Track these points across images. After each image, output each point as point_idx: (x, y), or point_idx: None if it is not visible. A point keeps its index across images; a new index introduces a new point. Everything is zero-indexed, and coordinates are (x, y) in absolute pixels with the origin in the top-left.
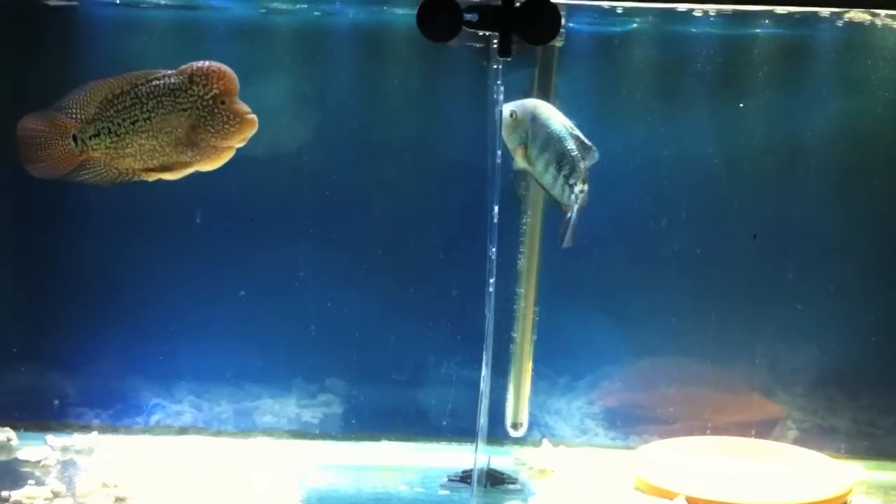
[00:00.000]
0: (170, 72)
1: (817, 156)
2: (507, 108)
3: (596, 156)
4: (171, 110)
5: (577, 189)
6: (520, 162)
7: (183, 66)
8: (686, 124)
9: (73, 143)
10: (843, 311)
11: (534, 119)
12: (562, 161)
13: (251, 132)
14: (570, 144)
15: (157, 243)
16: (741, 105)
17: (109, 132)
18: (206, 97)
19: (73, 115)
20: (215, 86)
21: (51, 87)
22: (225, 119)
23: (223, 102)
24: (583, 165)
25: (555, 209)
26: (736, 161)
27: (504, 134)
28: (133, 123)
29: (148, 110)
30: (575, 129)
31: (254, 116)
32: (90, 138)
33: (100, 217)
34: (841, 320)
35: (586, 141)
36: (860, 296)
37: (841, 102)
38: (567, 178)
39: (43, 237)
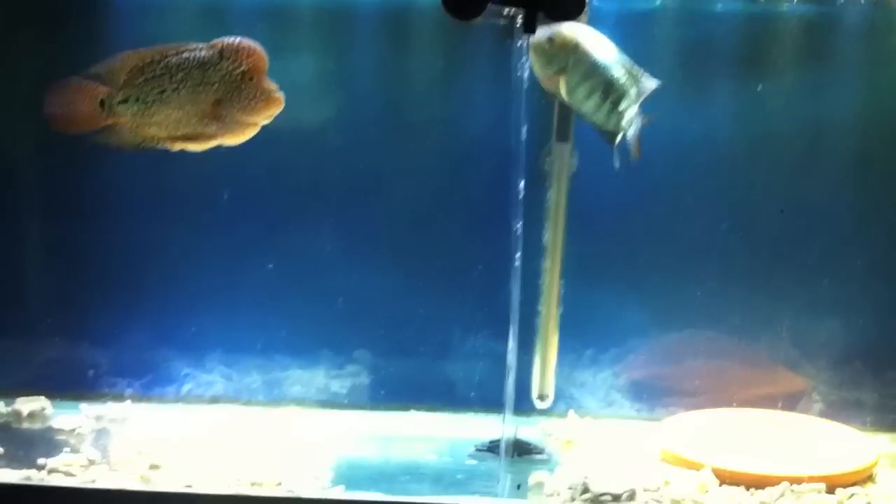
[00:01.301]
0: (201, 45)
1: (844, 133)
2: (543, 33)
3: (649, 84)
4: (200, 83)
5: (628, 115)
6: (561, 90)
7: (214, 41)
8: (711, 102)
9: (100, 108)
10: (869, 286)
11: (576, 47)
12: (609, 90)
13: (277, 110)
14: (618, 72)
15: (187, 219)
16: (767, 83)
17: (137, 100)
18: (235, 73)
19: (104, 81)
20: (245, 62)
21: (77, 68)
22: (252, 95)
23: (251, 79)
24: (633, 92)
25: (585, 174)
26: (762, 138)
27: (537, 59)
28: (161, 93)
29: (177, 81)
30: (622, 54)
31: (281, 95)
32: (118, 104)
33: (131, 194)
34: (867, 295)
35: (636, 67)
36: (886, 271)
37: (868, 81)
38: (615, 104)
39: (76, 214)
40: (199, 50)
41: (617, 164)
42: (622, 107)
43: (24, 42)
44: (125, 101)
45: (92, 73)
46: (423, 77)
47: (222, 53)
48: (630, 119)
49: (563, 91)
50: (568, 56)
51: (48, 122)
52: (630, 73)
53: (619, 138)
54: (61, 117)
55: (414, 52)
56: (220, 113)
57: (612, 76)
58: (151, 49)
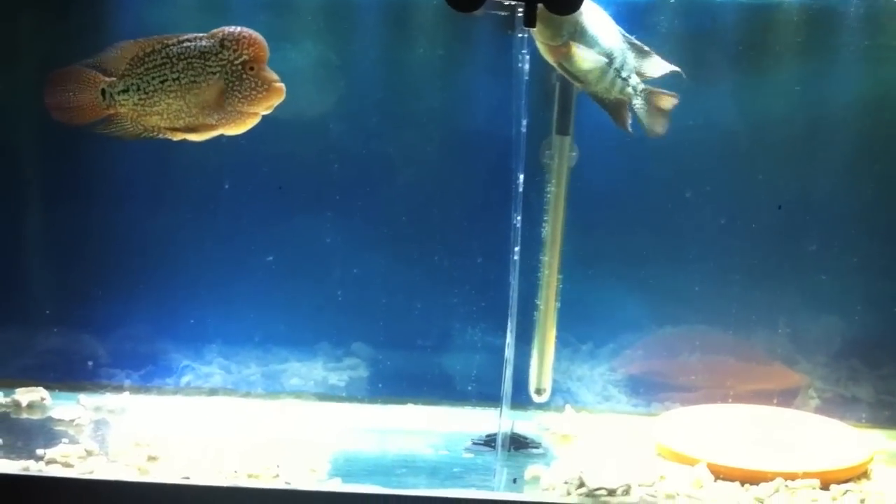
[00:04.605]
0: (201, 35)
1: (842, 127)
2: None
3: (662, 65)
4: (201, 72)
5: (632, 81)
6: (569, 58)
7: (215, 30)
8: (711, 95)
9: (101, 97)
10: (865, 281)
11: (582, 14)
12: (611, 56)
13: (278, 100)
14: (620, 40)
15: (187, 210)
16: (767, 76)
17: (138, 89)
18: (236, 62)
19: (104, 71)
20: (245, 52)
21: (79, 57)
22: (253, 85)
23: (252, 69)
24: (642, 62)
25: (584, 168)
26: (761, 132)
27: (545, 29)
28: (162, 82)
29: (177, 71)
30: (624, 33)
31: (281, 85)
32: (119, 94)
33: (131, 184)
34: (864, 291)
35: (641, 45)
36: (883, 267)
37: (867, 73)
38: (619, 71)
39: (76, 204)
40: (200, 39)
41: (630, 130)
42: (624, 73)
43: (26, 30)
44: (126, 90)
45: (92, 62)
46: (423, 69)
47: (223, 43)
48: (634, 87)
49: (570, 60)
50: (575, 23)
51: (48, 111)
52: (632, 44)
53: (628, 108)
54: (62, 107)
55: (414, 44)
56: (220, 103)
57: (615, 43)
58: (152, 38)
